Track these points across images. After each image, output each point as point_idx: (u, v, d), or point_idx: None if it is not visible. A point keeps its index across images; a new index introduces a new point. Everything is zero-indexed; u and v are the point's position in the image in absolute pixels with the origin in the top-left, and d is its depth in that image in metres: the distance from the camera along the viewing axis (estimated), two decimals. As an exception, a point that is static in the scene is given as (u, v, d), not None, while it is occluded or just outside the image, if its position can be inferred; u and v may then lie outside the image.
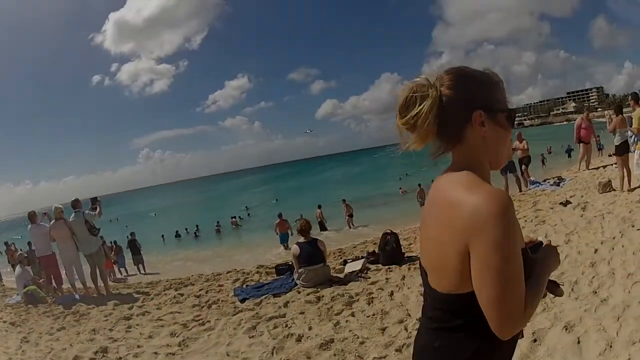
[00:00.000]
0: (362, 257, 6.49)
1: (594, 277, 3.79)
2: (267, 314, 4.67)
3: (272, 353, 3.61)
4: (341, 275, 5.79)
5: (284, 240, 13.64)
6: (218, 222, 22.91)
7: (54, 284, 7.75)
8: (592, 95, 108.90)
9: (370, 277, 5.61)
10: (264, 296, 5.37)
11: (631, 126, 7.06)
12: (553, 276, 1.13)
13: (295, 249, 5.75)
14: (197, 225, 23.37)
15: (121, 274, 13.76)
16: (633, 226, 4.94)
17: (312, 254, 5.60)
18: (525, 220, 6.98)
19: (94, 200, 7.70)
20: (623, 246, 4.37)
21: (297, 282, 5.62)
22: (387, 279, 5.43)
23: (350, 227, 15.81)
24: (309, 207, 21.12)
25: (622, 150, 7.32)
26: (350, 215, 16.21)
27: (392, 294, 4.75)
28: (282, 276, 6.39)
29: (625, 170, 7.17)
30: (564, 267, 4.20)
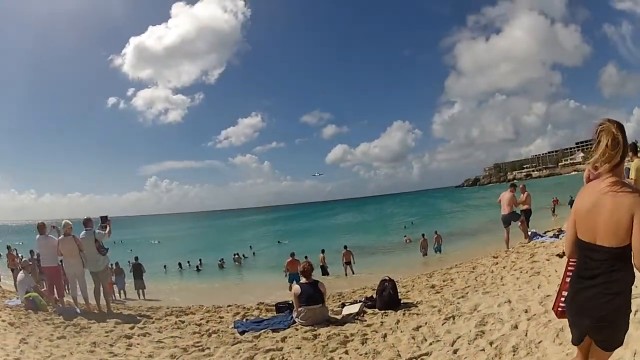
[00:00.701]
0: (360, 301, 6.69)
1: None
2: (265, 346, 4.81)
3: (268, 383, 3.72)
4: (338, 317, 5.98)
5: (292, 279, 13.55)
6: (222, 259, 22.93)
7: (55, 294, 7.80)
8: None
9: (366, 320, 5.77)
10: (263, 330, 5.53)
11: (628, 177, 7.27)
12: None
13: (296, 288, 6.00)
14: (200, 259, 23.39)
15: (120, 296, 13.77)
16: None
17: (312, 294, 5.85)
18: (521, 272, 7.15)
19: (104, 219, 7.87)
20: None
21: (296, 320, 5.79)
22: (382, 322, 5.57)
23: (346, 274, 15.75)
24: (312, 251, 21.16)
25: None
26: (348, 263, 16.22)
27: (385, 336, 4.90)
28: (281, 314, 6.57)
29: None
30: (551, 315, 4.24)
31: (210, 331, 5.74)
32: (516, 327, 4.32)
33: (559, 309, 2.41)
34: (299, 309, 5.78)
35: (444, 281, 8.15)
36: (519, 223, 11.01)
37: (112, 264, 15.08)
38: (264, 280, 16.84)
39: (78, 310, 7.22)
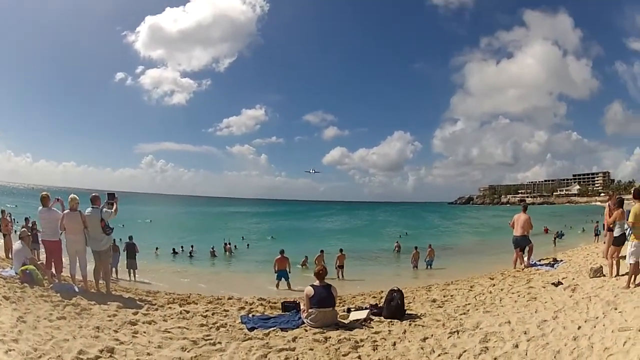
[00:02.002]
0: (366, 308, 6.73)
1: (574, 348, 4.22)
2: (277, 345, 4.81)
3: (286, 382, 3.78)
4: (346, 321, 6.01)
5: (281, 277, 13.63)
6: (213, 247, 22.92)
7: (53, 269, 7.51)
8: (597, 180, 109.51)
9: (373, 327, 5.83)
10: (272, 329, 5.51)
11: (627, 220, 7.51)
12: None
13: (309, 290, 6.00)
14: (192, 246, 23.32)
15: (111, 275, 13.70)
16: (616, 309, 5.37)
17: (325, 297, 5.88)
18: (519, 296, 7.37)
19: (112, 196, 7.61)
20: (604, 325, 4.78)
21: (305, 320, 5.80)
22: (389, 330, 5.66)
23: (338, 278, 15.83)
24: (304, 250, 21.25)
25: (620, 241, 7.75)
26: (341, 266, 16.28)
27: (394, 344, 5.00)
28: (287, 313, 6.56)
29: (615, 259, 7.62)
30: (548, 338, 4.66)
31: (218, 324, 5.70)
32: (517, 346, 4.55)
33: None
34: (310, 310, 5.80)
35: (444, 296, 8.24)
36: (527, 248, 10.89)
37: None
38: (254, 274, 16.85)
39: (76, 289, 7.05)
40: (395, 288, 6.75)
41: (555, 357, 4.09)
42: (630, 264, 6.71)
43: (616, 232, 7.89)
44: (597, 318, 5.15)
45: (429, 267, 18.42)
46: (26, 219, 15.57)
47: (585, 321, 5.12)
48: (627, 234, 7.68)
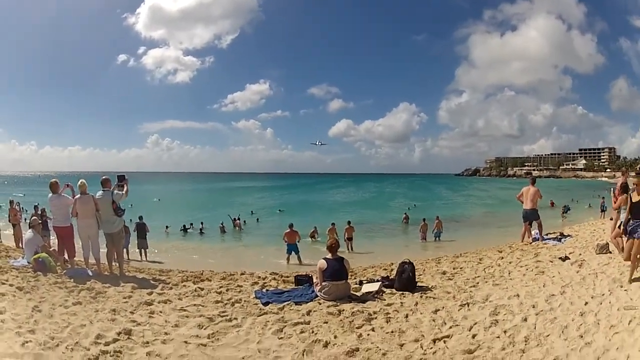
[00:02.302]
0: (377, 280, 6.80)
1: (581, 324, 4.32)
2: (292, 319, 4.88)
3: (303, 354, 3.86)
4: (358, 294, 6.08)
5: (290, 250, 13.80)
6: (222, 223, 23.16)
7: (65, 255, 7.59)
8: (603, 155, 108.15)
9: (385, 299, 5.90)
10: (286, 303, 5.59)
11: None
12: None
13: (322, 263, 6.03)
14: (202, 222, 23.57)
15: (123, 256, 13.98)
16: (621, 286, 5.48)
17: (338, 270, 5.93)
18: (527, 269, 7.48)
19: (122, 178, 7.66)
20: (610, 302, 4.87)
21: (319, 294, 5.86)
22: (402, 302, 5.74)
23: (348, 250, 16.01)
24: (312, 222, 21.43)
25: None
26: (350, 239, 16.42)
27: (407, 316, 5.10)
28: (300, 286, 6.64)
29: (620, 241, 7.55)
30: (556, 313, 4.78)
31: (233, 300, 5.77)
32: (525, 319, 4.65)
33: None
34: (323, 284, 5.85)
35: (453, 269, 8.32)
36: (536, 223, 10.83)
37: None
38: (264, 249, 16.99)
39: (90, 273, 7.12)
40: (407, 260, 6.81)
41: (562, 331, 4.19)
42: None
43: (623, 216, 7.78)
44: (603, 295, 5.23)
45: (437, 239, 18.54)
46: (35, 207, 15.71)
47: (591, 297, 5.20)
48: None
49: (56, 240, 7.82)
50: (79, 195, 7.29)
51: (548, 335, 4.14)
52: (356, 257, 14.03)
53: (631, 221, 6.06)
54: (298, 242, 14.04)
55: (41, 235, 8.45)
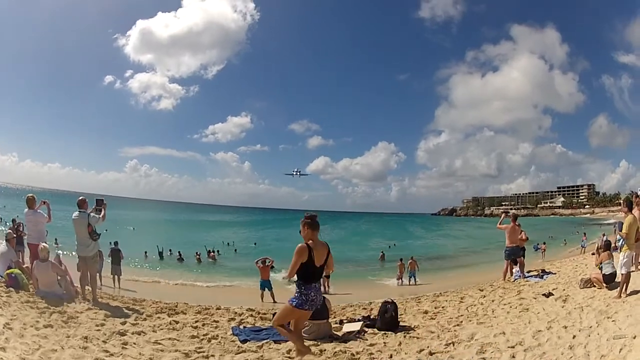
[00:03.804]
0: (359, 320, 6.66)
1: (571, 357, 4.28)
2: (271, 358, 4.74)
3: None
4: (339, 333, 5.95)
5: (264, 286, 13.35)
6: (198, 252, 22.65)
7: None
8: (582, 192, 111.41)
9: (367, 339, 5.77)
10: (264, 341, 5.41)
11: (621, 230, 7.69)
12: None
13: None
14: (179, 252, 23.02)
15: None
16: (609, 318, 5.46)
17: (319, 309, 5.72)
18: (510, 307, 7.40)
19: (100, 202, 7.47)
20: (598, 334, 4.85)
21: (299, 333, 5.66)
22: (385, 342, 5.62)
23: (325, 289, 15.60)
24: (288, 258, 20.99)
25: (610, 279, 7.73)
26: (327, 276, 16.08)
27: (391, 356, 4.97)
28: (280, 324, 6.40)
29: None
30: (544, 348, 4.70)
31: (210, 336, 5.57)
32: (514, 356, 4.56)
33: None
34: (304, 323, 5.65)
35: (435, 308, 8.23)
36: (517, 260, 10.89)
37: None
38: (238, 283, 16.64)
39: (61, 295, 6.79)
40: (389, 300, 6.75)
41: None
42: (622, 274, 6.83)
43: (605, 271, 7.97)
44: (590, 327, 5.21)
45: (412, 278, 18.35)
46: (13, 220, 14.95)
47: (579, 330, 5.17)
48: (619, 245, 7.85)
49: (30, 257, 7.56)
50: (36, 262, 6.84)
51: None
52: (334, 296, 13.71)
53: None
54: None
55: (15, 250, 8.14)
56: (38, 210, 7.36)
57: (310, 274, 4.40)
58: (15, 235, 8.67)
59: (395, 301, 6.74)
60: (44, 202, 7.45)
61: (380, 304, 6.91)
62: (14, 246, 7.92)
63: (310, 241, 4.44)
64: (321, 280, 13.16)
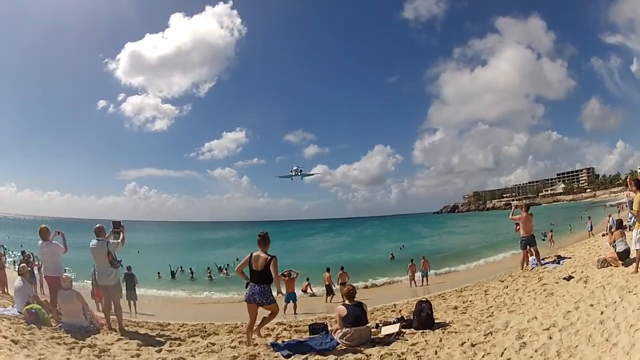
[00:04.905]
0: (394, 322, 6.70)
1: (603, 330, 4.56)
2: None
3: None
4: (380, 336, 5.97)
5: (289, 299, 13.26)
6: (209, 269, 22.68)
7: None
8: (582, 176, 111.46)
9: (408, 339, 5.81)
10: (308, 354, 5.39)
11: (631, 208, 7.91)
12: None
13: (342, 309, 5.92)
14: (190, 268, 23.13)
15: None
16: (630, 291, 5.75)
17: (359, 315, 5.84)
18: (536, 293, 7.58)
19: (117, 224, 7.19)
20: (624, 307, 5.15)
21: (340, 341, 5.70)
22: (426, 340, 5.67)
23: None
24: (301, 268, 20.99)
25: (624, 256, 8.06)
26: (343, 284, 16.10)
27: (436, 352, 5.08)
28: (316, 335, 6.39)
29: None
30: (577, 326, 4.99)
31: (252, 355, 5.44)
32: (551, 337, 4.80)
33: None
34: (345, 330, 5.73)
35: (463, 302, 8.28)
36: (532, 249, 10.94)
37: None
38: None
39: (85, 325, 6.59)
40: (424, 299, 6.90)
41: (589, 340, 4.41)
42: (636, 249, 7.11)
43: (619, 248, 8.25)
44: (615, 302, 5.49)
45: (424, 278, 18.33)
46: (22, 252, 14.78)
47: (605, 306, 5.42)
48: (630, 223, 8.05)
49: (44, 290, 7.48)
50: (61, 290, 6.72)
51: (577, 346, 4.35)
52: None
53: None
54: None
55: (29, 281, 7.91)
56: (53, 242, 7.11)
57: (250, 275, 5.89)
58: (29, 269, 8.47)
59: (429, 300, 6.82)
60: (58, 232, 7.23)
61: (414, 304, 6.99)
62: (28, 280, 7.71)
63: (257, 251, 5.92)
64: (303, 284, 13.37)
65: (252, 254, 5.93)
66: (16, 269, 8.37)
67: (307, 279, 18.32)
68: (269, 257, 5.78)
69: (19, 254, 16.81)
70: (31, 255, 12.82)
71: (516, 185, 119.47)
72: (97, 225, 7.09)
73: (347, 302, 6.08)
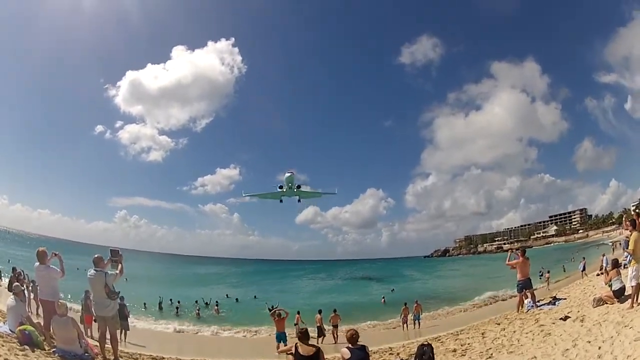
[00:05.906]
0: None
1: None
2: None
3: None
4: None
5: (280, 339, 13.06)
6: (197, 308, 22.15)
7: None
8: (574, 218, 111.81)
9: (409, 383, 5.81)
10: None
11: (627, 248, 8.06)
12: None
13: (345, 352, 5.95)
14: (178, 301, 22.69)
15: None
16: (626, 326, 5.83)
17: (363, 358, 5.85)
18: (533, 334, 7.59)
19: (116, 253, 6.96)
20: (620, 340, 5.27)
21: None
22: (427, 383, 5.61)
23: (334, 337, 15.35)
24: (292, 310, 20.69)
25: (620, 294, 8.18)
26: (335, 326, 15.92)
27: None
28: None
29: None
30: None
31: None
32: None
33: None
34: None
35: (461, 345, 8.26)
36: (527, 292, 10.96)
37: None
38: (247, 335, 16.26)
39: (80, 353, 6.40)
40: (425, 342, 6.87)
41: None
42: (632, 286, 7.23)
43: (615, 287, 8.42)
44: (612, 337, 5.60)
45: (416, 321, 18.11)
46: (13, 269, 14.28)
47: (603, 342, 5.54)
48: (626, 261, 8.32)
49: (31, 309, 7.36)
50: (55, 316, 6.53)
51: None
52: (344, 345, 13.44)
53: None
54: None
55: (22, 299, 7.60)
56: (50, 266, 6.96)
57: None
58: (23, 288, 8.12)
59: (430, 343, 6.83)
60: (56, 255, 7.05)
61: (412, 347, 7.04)
62: (22, 300, 7.43)
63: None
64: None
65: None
66: (5, 284, 8.01)
67: (298, 312, 18.08)
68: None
69: (8, 269, 16.15)
70: (22, 273, 12.46)
71: (508, 228, 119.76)
72: (96, 255, 6.92)
73: (350, 345, 6.08)
